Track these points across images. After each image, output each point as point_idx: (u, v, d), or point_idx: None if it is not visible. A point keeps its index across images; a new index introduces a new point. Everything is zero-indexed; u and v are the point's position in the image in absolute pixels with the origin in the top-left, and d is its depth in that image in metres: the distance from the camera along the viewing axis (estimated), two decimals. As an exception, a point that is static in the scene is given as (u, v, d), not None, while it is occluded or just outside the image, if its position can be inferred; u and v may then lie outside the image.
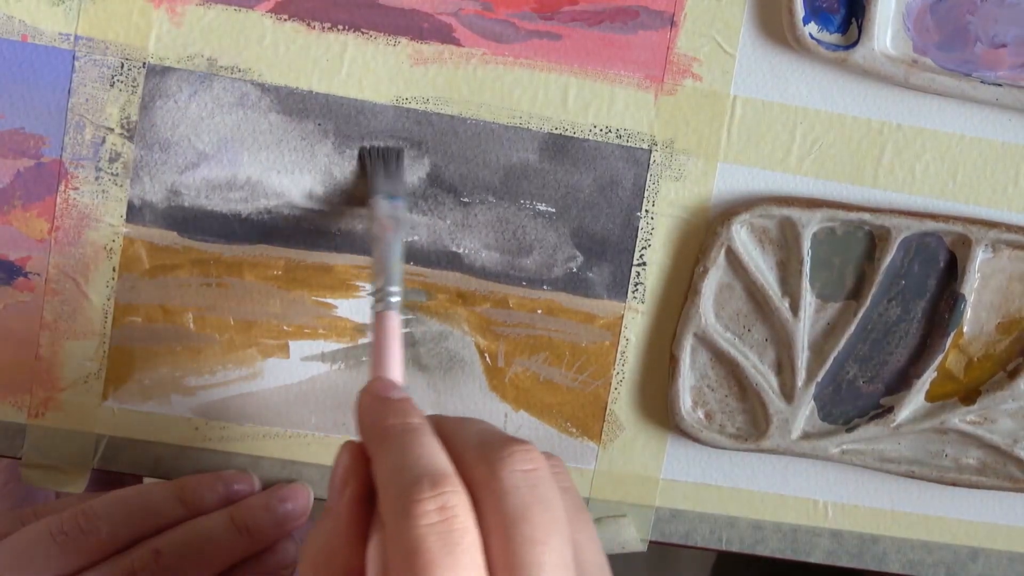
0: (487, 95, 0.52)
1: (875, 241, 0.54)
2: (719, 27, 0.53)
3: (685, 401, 0.54)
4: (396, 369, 0.45)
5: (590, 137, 0.53)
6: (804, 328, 0.54)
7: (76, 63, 0.51)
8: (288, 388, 0.54)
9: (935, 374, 0.55)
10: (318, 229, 0.53)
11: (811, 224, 0.53)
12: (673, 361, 0.54)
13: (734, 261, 0.53)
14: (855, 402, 0.55)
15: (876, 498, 0.56)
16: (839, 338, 0.54)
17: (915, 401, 0.55)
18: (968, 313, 0.54)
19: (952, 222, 0.53)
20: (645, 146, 0.53)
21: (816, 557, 0.57)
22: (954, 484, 0.55)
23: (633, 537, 0.56)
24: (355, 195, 0.53)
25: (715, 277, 0.54)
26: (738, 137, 0.53)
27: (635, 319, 0.54)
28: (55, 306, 0.53)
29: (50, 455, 0.54)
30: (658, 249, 0.54)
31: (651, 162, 0.53)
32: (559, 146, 0.53)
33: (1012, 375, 0.55)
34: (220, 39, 0.51)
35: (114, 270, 0.52)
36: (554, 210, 0.53)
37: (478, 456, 0.39)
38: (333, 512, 0.41)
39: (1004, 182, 0.54)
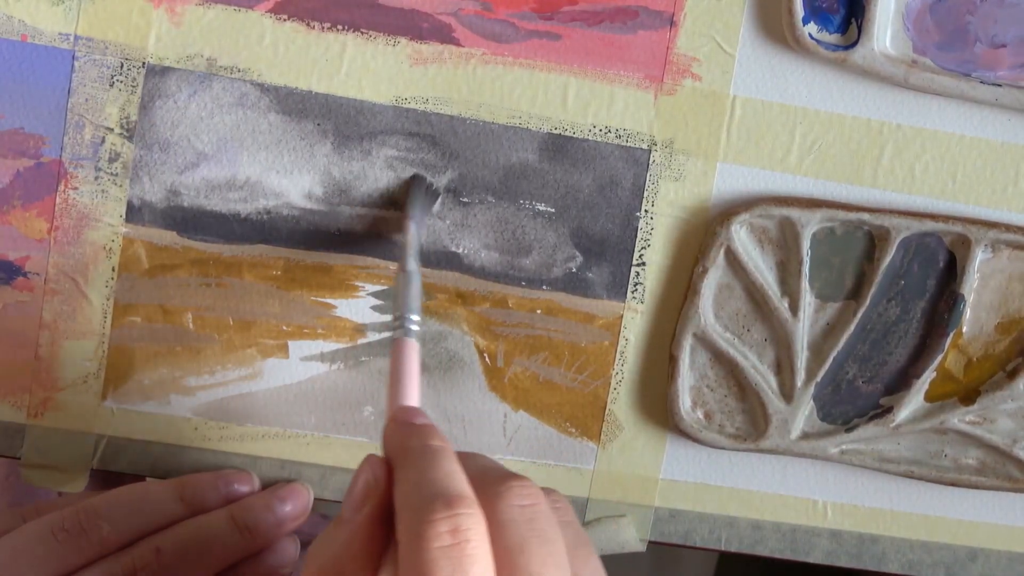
0: (487, 95, 0.52)
1: (875, 241, 0.54)
2: (719, 27, 0.53)
3: (684, 401, 0.54)
4: (414, 396, 0.45)
5: (590, 137, 0.53)
6: (803, 328, 0.54)
7: (76, 63, 0.51)
8: (287, 388, 0.54)
9: (935, 374, 0.55)
10: (317, 229, 0.53)
11: (811, 224, 0.53)
12: (672, 361, 0.54)
13: (733, 261, 0.53)
14: (854, 402, 0.55)
15: (876, 498, 0.56)
16: (838, 338, 0.54)
17: (914, 401, 0.55)
18: (968, 313, 0.54)
19: (952, 222, 0.53)
20: (645, 146, 0.53)
21: (815, 557, 0.57)
22: (954, 484, 0.55)
23: (632, 537, 0.56)
24: (356, 197, 0.53)
25: (714, 277, 0.54)
26: (738, 137, 0.53)
27: (634, 319, 0.54)
28: (54, 306, 0.53)
29: (49, 455, 0.53)
30: (657, 249, 0.54)
31: (651, 162, 0.53)
32: (559, 146, 0.53)
33: (1012, 375, 0.55)
34: (220, 39, 0.51)
35: (113, 270, 0.52)
36: (553, 210, 0.53)
37: (476, 490, 0.39)
38: (348, 526, 0.40)
39: (1004, 182, 0.54)
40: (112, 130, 0.52)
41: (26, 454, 0.53)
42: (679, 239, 0.54)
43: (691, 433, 0.54)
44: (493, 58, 0.52)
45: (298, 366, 0.54)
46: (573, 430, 0.55)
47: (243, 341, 0.53)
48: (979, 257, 0.54)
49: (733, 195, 0.54)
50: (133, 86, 0.51)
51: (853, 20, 0.52)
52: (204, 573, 0.50)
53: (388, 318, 0.54)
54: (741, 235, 0.53)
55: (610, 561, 0.43)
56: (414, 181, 0.52)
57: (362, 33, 0.52)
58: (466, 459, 0.41)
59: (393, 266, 0.53)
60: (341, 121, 0.52)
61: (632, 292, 0.54)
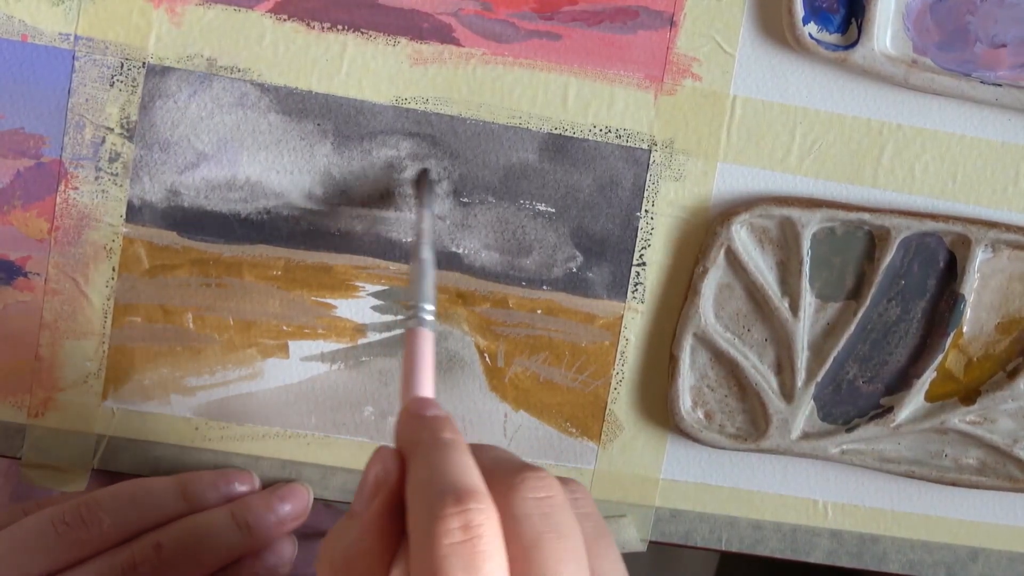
0: (487, 95, 0.52)
1: (875, 241, 0.54)
2: (719, 27, 0.53)
3: (685, 401, 0.54)
4: (428, 387, 0.44)
5: (590, 137, 0.53)
6: (804, 328, 0.54)
7: (76, 63, 0.51)
8: (288, 388, 0.54)
9: (935, 374, 0.55)
10: (317, 229, 0.53)
11: (811, 224, 0.53)
12: (673, 361, 0.54)
13: (734, 261, 0.53)
14: (855, 402, 0.55)
15: (876, 498, 0.56)
16: (839, 338, 0.54)
17: (915, 401, 0.55)
18: (968, 313, 0.54)
19: (952, 222, 0.53)
20: (645, 146, 0.53)
21: (816, 557, 0.57)
22: (954, 484, 0.55)
23: (633, 537, 0.56)
24: (356, 197, 0.53)
25: (715, 277, 0.54)
26: (738, 137, 0.53)
27: (635, 319, 0.54)
28: (55, 306, 0.53)
29: (50, 455, 0.54)
30: (658, 249, 0.54)
31: (651, 162, 0.53)
32: (559, 146, 0.53)
33: (1012, 375, 0.55)
34: (220, 39, 0.51)
35: (114, 270, 0.52)
36: (554, 210, 0.53)
37: (489, 482, 0.37)
38: (359, 520, 0.39)
39: (1004, 182, 0.54)
40: (112, 130, 0.52)
41: (26, 454, 0.53)
42: (679, 239, 0.54)
43: (691, 433, 0.54)
44: (493, 58, 0.52)
45: (298, 366, 0.54)
46: (573, 430, 0.55)
47: (243, 341, 0.53)
48: (979, 257, 0.54)
49: (733, 195, 0.54)
50: (133, 86, 0.51)
51: (853, 20, 0.52)
52: (203, 570, 0.50)
53: (389, 318, 0.54)
54: (741, 235, 0.53)
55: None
56: (426, 173, 0.52)
57: (362, 33, 0.52)
58: (480, 451, 0.40)
59: (394, 266, 0.53)
60: (341, 121, 0.52)
61: (632, 292, 0.54)
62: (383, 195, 0.53)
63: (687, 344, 0.54)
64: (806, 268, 0.53)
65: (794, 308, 0.54)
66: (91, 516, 0.48)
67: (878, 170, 0.54)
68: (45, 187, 0.52)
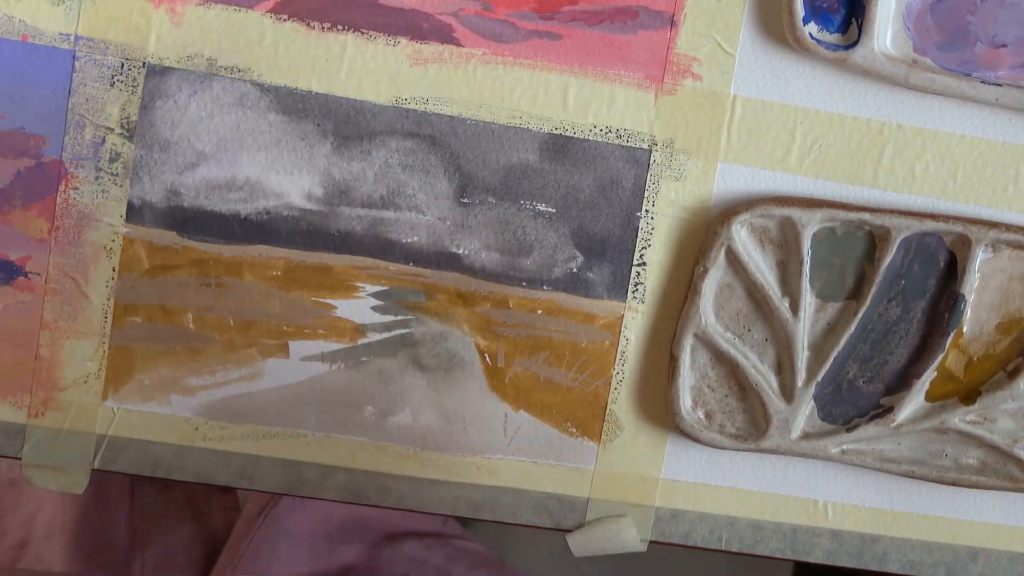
0: (487, 95, 0.52)
1: (875, 241, 0.54)
2: (719, 27, 0.53)
3: (685, 401, 0.54)
4: None
5: (590, 137, 0.53)
6: (804, 328, 0.54)
7: (76, 63, 0.51)
8: (288, 388, 0.54)
9: (935, 374, 0.55)
10: (317, 230, 0.53)
11: (811, 224, 0.53)
12: (673, 361, 0.54)
13: (734, 261, 0.53)
14: (855, 402, 0.55)
15: (876, 498, 0.56)
16: (839, 338, 0.54)
17: (915, 401, 0.55)
18: (968, 313, 0.54)
19: (952, 222, 0.53)
20: (645, 146, 0.53)
21: (816, 557, 0.57)
22: (954, 484, 0.55)
23: (633, 537, 0.56)
24: (356, 197, 0.53)
25: (715, 277, 0.54)
26: (738, 137, 0.53)
27: (635, 319, 0.54)
28: (55, 306, 0.53)
29: (50, 455, 0.54)
30: (658, 249, 0.54)
31: (651, 162, 0.53)
32: (559, 146, 0.53)
33: (1012, 375, 0.55)
34: (220, 39, 0.51)
35: (114, 270, 0.52)
36: (554, 210, 0.53)
37: None
38: None
39: (1004, 182, 0.54)
40: (112, 130, 0.52)
41: (27, 454, 0.54)
42: (680, 239, 0.54)
43: (692, 433, 0.54)
44: (493, 58, 0.52)
45: (298, 366, 0.54)
46: (574, 430, 0.55)
47: (243, 341, 0.53)
48: (980, 257, 0.54)
49: (733, 195, 0.54)
50: (133, 86, 0.51)
51: (853, 20, 0.52)
52: None
53: (389, 318, 0.54)
54: (742, 235, 0.53)
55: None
56: None
57: (362, 33, 0.52)
58: None
59: (394, 266, 0.53)
60: (341, 121, 0.52)
61: (633, 292, 0.54)
62: (383, 195, 0.53)
63: (687, 344, 0.54)
64: (806, 268, 0.53)
65: (794, 308, 0.54)
66: None
67: (878, 170, 0.54)
68: (45, 187, 0.52)
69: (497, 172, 0.53)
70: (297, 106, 0.52)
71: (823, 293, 0.54)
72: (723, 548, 0.56)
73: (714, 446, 0.54)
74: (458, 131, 0.52)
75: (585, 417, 0.55)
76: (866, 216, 0.53)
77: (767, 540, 0.56)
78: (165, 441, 0.54)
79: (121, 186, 0.52)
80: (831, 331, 0.54)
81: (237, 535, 0.80)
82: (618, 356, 0.54)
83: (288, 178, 0.52)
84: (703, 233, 0.54)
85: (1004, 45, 0.53)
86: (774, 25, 0.53)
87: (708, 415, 0.55)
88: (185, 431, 0.54)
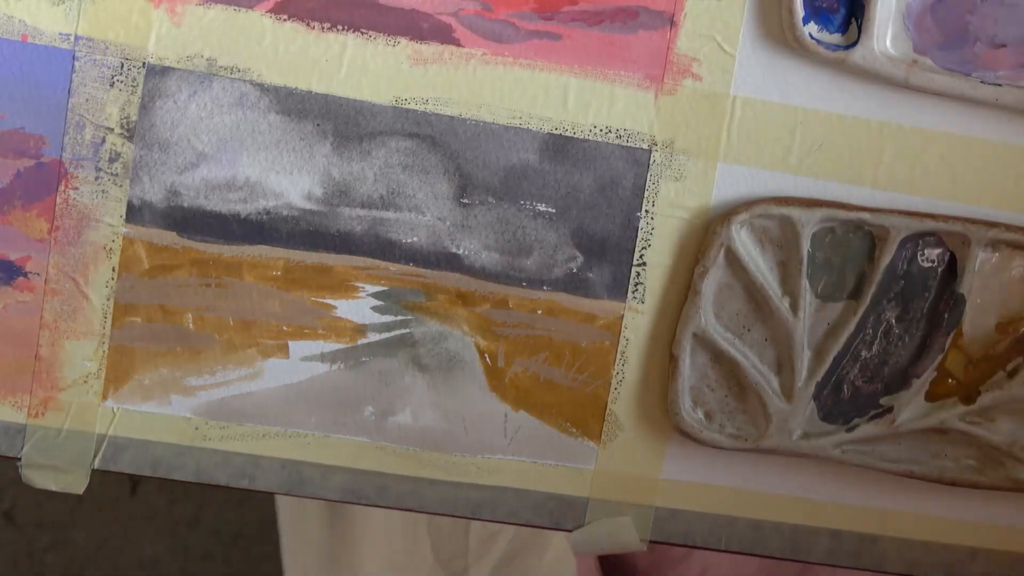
0: (487, 95, 0.52)
1: (875, 241, 0.54)
2: (719, 27, 0.53)
3: (685, 401, 0.54)
4: None
5: (590, 137, 0.53)
6: (804, 328, 0.54)
7: (76, 63, 0.51)
8: (288, 388, 0.54)
9: (935, 374, 0.55)
10: (317, 230, 0.53)
11: (811, 224, 0.53)
12: (673, 361, 0.54)
13: (734, 261, 0.53)
14: (855, 402, 0.55)
15: (876, 498, 0.56)
16: (839, 338, 0.54)
17: (915, 401, 0.55)
18: (968, 313, 0.54)
19: (952, 222, 0.53)
20: (645, 146, 0.53)
21: (816, 557, 0.57)
22: (954, 484, 0.55)
23: (633, 537, 0.56)
24: (355, 198, 0.53)
25: (715, 277, 0.54)
26: (738, 137, 0.53)
27: (635, 319, 0.54)
28: (55, 306, 0.53)
29: (50, 455, 0.54)
30: (658, 249, 0.54)
31: (651, 162, 0.53)
32: (559, 146, 0.53)
33: (1012, 375, 0.55)
34: (220, 39, 0.51)
35: (114, 270, 0.52)
36: (554, 210, 0.53)
37: None
38: None
39: (1004, 182, 0.54)
40: (112, 130, 0.52)
41: (27, 454, 0.54)
42: (680, 239, 0.54)
43: (691, 433, 0.54)
44: (493, 58, 0.52)
45: (298, 366, 0.54)
46: (574, 430, 0.55)
47: (243, 341, 0.53)
48: (980, 257, 0.54)
49: (733, 195, 0.54)
50: (133, 86, 0.51)
51: (853, 20, 0.52)
52: None
53: (389, 318, 0.54)
54: (741, 235, 0.53)
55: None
56: None
57: (362, 33, 0.52)
58: None
59: (394, 267, 0.53)
60: (341, 121, 0.52)
61: (633, 292, 0.54)
62: (383, 196, 0.53)
63: (687, 344, 0.54)
64: (806, 268, 0.53)
65: (794, 308, 0.54)
66: None
67: (878, 170, 0.54)
68: (45, 187, 0.52)
69: (497, 172, 0.53)
70: (297, 106, 0.52)
71: (823, 293, 0.54)
72: (723, 548, 0.56)
73: (714, 446, 0.54)
74: (458, 131, 0.52)
75: (585, 417, 0.55)
76: (866, 216, 0.53)
77: (767, 540, 0.56)
78: (165, 441, 0.54)
79: (121, 186, 0.52)
80: (831, 331, 0.54)
81: None
82: (618, 356, 0.54)
83: (288, 178, 0.52)
84: (703, 233, 0.54)
85: (1004, 45, 0.53)
86: (774, 25, 0.53)
87: (708, 415, 0.55)
88: (185, 431, 0.54)
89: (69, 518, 1.23)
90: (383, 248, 0.53)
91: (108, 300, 0.53)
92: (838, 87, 0.53)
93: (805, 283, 0.54)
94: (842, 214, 0.53)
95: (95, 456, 0.54)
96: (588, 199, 0.53)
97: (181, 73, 0.52)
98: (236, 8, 0.51)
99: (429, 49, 0.52)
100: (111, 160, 0.52)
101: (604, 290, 0.54)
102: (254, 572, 1.24)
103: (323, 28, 0.52)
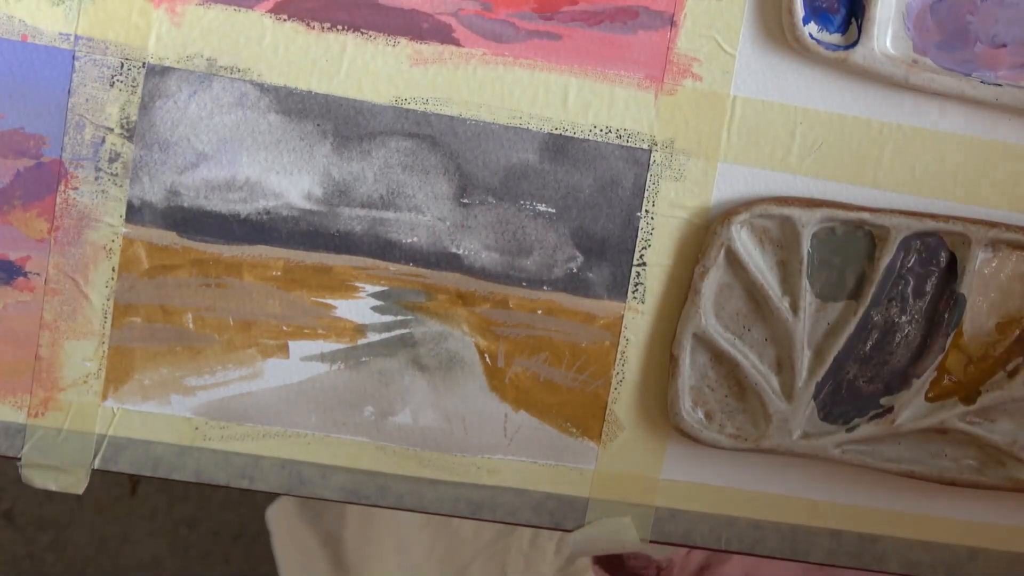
0: (487, 95, 0.52)
1: (875, 241, 0.54)
2: (719, 27, 0.53)
3: (685, 401, 0.54)
4: None
5: (590, 137, 0.53)
6: (804, 328, 0.54)
7: (76, 63, 0.51)
8: (288, 388, 0.54)
9: (935, 374, 0.55)
10: (317, 230, 0.53)
11: (811, 224, 0.53)
12: (673, 361, 0.54)
13: (734, 261, 0.53)
14: (855, 402, 0.55)
15: (876, 498, 0.56)
16: (839, 338, 0.54)
17: (915, 401, 0.55)
18: (968, 313, 0.54)
19: (952, 222, 0.53)
20: (645, 146, 0.53)
21: (816, 557, 0.57)
22: (954, 484, 0.55)
23: (633, 537, 0.56)
24: (355, 198, 0.53)
25: (715, 277, 0.54)
26: (738, 137, 0.53)
27: (635, 319, 0.54)
28: (55, 306, 0.53)
29: (50, 455, 0.54)
30: (658, 249, 0.54)
31: (651, 162, 0.53)
32: (559, 146, 0.53)
33: (1012, 375, 0.55)
34: (220, 39, 0.51)
35: (113, 270, 0.52)
36: (554, 210, 0.53)
37: None
38: None
39: (1004, 182, 0.54)
40: (112, 130, 0.52)
41: (27, 454, 0.54)
42: (680, 239, 0.54)
43: (691, 433, 0.54)
44: (493, 58, 0.52)
45: (298, 366, 0.54)
46: (574, 430, 0.55)
47: (243, 341, 0.53)
48: (980, 257, 0.54)
49: (733, 195, 0.54)
50: (133, 86, 0.51)
51: (853, 20, 0.52)
52: None
53: (388, 318, 0.54)
54: (742, 235, 0.53)
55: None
56: None
57: (362, 33, 0.52)
58: None
59: (393, 267, 0.53)
60: (341, 121, 0.52)
61: (633, 292, 0.54)
62: (383, 196, 0.53)
63: (687, 344, 0.54)
64: (806, 268, 0.53)
65: (794, 308, 0.54)
66: None
67: (878, 170, 0.54)
68: (45, 187, 0.52)
69: (497, 172, 0.53)
70: (297, 106, 0.52)
71: (823, 293, 0.54)
72: (723, 548, 0.56)
73: (714, 446, 0.54)
74: (458, 131, 0.52)
75: (585, 417, 0.55)
76: (866, 216, 0.53)
77: (767, 540, 0.56)
78: (165, 441, 0.54)
79: (121, 186, 0.52)
80: (831, 331, 0.54)
81: None
82: (618, 356, 0.54)
83: (288, 178, 0.52)
84: (703, 233, 0.54)
85: (1004, 45, 0.53)
86: (774, 25, 0.53)
87: (708, 415, 0.55)
88: (185, 431, 0.54)
89: (69, 518, 1.23)
90: (383, 248, 0.53)
91: (108, 300, 0.53)
92: (838, 87, 0.53)
93: (805, 283, 0.54)
94: (842, 214, 0.53)
95: (95, 456, 0.54)
96: (588, 199, 0.53)
97: (181, 73, 0.52)
98: (236, 8, 0.51)
99: (429, 49, 0.52)
100: (111, 160, 0.52)
101: (604, 290, 0.54)
102: (254, 572, 1.24)
103: (323, 28, 0.52)
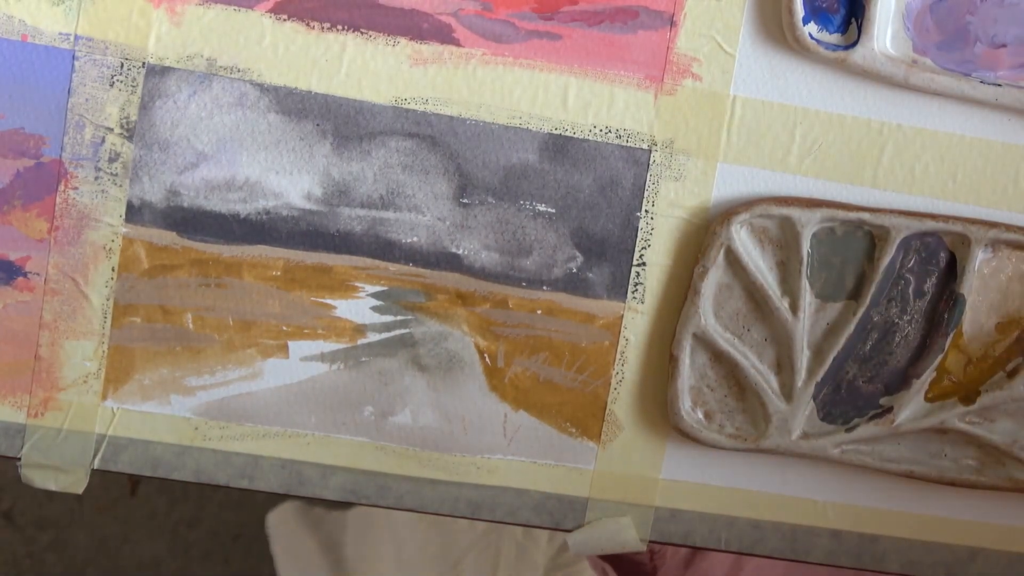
0: (487, 95, 0.52)
1: (875, 241, 0.54)
2: (719, 27, 0.53)
3: (685, 401, 0.54)
4: None
5: (590, 137, 0.53)
6: (804, 328, 0.54)
7: (76, 63, 0.51)
8: (288, 388, 0.54)
9: (935, 374, 0.55)
10: (317, 230, 0.53)
11: (811, 224, 0.53)
12: (673, 361, 0.54)
13: (734, 261, 0.53)
14: (855, 402, 0.55)
15: (876, 498, 0.56)
16: (839, 338, 0.54)
17: (915, 401, 0.55)
18: (968, 313, 0.54)
19: (952, 222, 0.53)
20: (645, 146, 0.53)
21: (816, 557, 0.57)
22: (954, 484, 0.55)
23: (633, 537, 0.56)
24: (355, 198, 0.53)
25: (715, 277, 0.54)
26: (738, 137, 0.53)
27: (635, 319, 0.54)
28: (55, 306, 0.53)
29: (50, 455, 0.54)
30: (658, 249, 0.54)
31: (651, 162, 0.53)
32: (559, 146, 0.53)
33: (1012, 375, 0.55)
34: (220, 39, 0.51)
35: (113, 270, 0.52)
36: (554, 210, 0.53)
37: None
38: None
39: (1004, 182, 0.54)
40: (112, 130, 0.52)
41: (27, 454, 0.54)
42: (679, 239, 0.54)
43: (691, 433, 0.54)
44: (493, 58, 0.52)
45: (298, 366, 0.54)
46: (573, 430, 0.55)
47: (243, 341, 0.53)
48: (979, 257, 0.54)
49: (733, 195, 0.54)
50: (133, 86, 0.51)
51: (853, 20, 0.52)
52: None
53: (388, 318, 0.54)
54: (741, 235, 0.53)
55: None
56: None
57: (362, 33, 0.52)
58: None
59: (393, 267, 0.53)
60: (341, 121, 0.52)
61: (632, 292, 0.54)
62: (382, 196, 0.53)
63: (687, 344, 0.54)
64: (806, 268, 0.53)
65: (794, 308, 0.54)
66: None
67: (878, 170, 0.54)
68: (45, 187, 0.52)
69: (497, 172, 0.53)
70: (297, 106, 0.52)
71: (823, 293, 0.54)
72: (723, 548, 0.56)
73: (714, 446, 0.54)
74: (458, 131, 0.52)
75: (585, 417, 0.55)
76: (866, 216, 0.53)
77: (767, 540, 0.56)
78: (165, 441, 0.54)
79: (121, 186, 0.52)
80: (831, 331, 0.54)
81: None
82: (618, 356, 0.54)
83: (288, 178, 0.52)
84: (703, 233, 0.54)
85: (1004, 45, 0.53)
86: (774, 25, 0.53)
87: (708, 415, 0.55)
88: (185, 431, 0.54)
89: (69, 518, 1.23)
90: (383, 248, 0.53)
91: (108, 300, 0.53)
92: (838, 87, 0.53)
93: (805, 283, 0.54)
94: (842, 214, 0.53)
95: (95, 456, 0.54)
96: (588, 199, 0.53)
97: (181, 73, 0.52)
98: (236, 8, 0.51)
99: (429, 49, 0.52)
100: (111, 160, 0.52)
101: (604, 290, 0.54)
102: (254, 572, 1.24)
103: (323, 28, 0.52)
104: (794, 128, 0.53)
